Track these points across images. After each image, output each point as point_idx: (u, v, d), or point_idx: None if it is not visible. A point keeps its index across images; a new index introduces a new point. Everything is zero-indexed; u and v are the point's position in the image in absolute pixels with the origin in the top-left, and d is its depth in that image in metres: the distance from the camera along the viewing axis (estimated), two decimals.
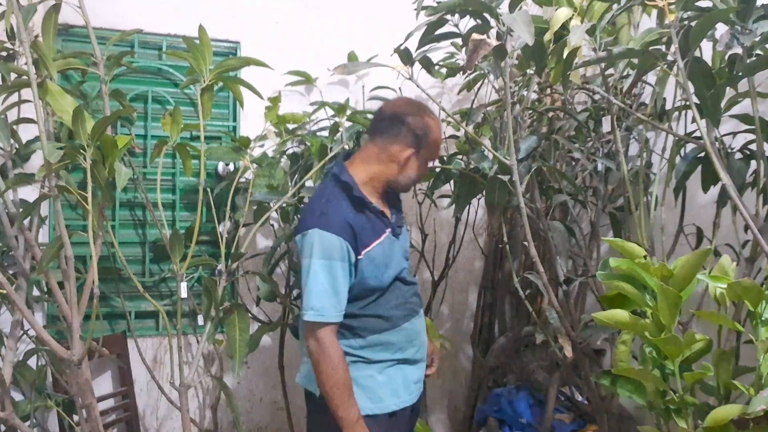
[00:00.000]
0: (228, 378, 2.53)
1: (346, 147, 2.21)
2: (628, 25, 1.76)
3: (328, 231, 1.53)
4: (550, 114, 2.13)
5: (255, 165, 2.25)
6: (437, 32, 1.58)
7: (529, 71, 2.04)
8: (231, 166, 2.51)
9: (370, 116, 2.44)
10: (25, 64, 1.64)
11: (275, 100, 2.48)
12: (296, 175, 2.36)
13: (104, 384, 2.44)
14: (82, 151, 1.59)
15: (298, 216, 2.29)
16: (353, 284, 1.59)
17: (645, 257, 1.13)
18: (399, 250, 1.71)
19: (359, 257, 1.57)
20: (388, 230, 1.66)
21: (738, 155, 1.59)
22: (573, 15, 1.41)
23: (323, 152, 2.26)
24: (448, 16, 1.53)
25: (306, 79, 2.60)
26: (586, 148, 2.00)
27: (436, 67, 2.47)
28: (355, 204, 1.60)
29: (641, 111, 1.88)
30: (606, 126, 2.10)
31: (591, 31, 1.44)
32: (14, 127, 1.95)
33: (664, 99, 1.95)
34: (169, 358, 2.10)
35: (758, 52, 1.30)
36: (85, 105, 2.15)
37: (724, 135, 1.65)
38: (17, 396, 2.03)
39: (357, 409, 1.55)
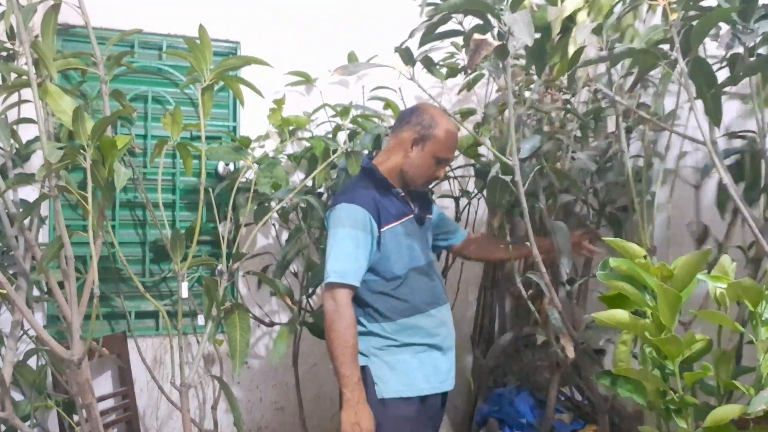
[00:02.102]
0: (228, 378, 2.53)
1: (348, 149, 2.22)
2: (633, 22, 1.75)
3: (353, 203, 1.69)
4: (554, 114, 2.13)
5: (256, 165, 2.26)
6: (439, 30, 1.58)
7: (530, 71, 2.03)
8: (231, 166, 2.51)
9: (374, 119, 2.46)
10: (25, 64, 1.64)
11: (279, 103, 2.48)
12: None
13: (104, 384, 2.44)
14: (82, 151, 1.59)
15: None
16: (378, 260, 1.71)
17: (645, 257, 1.12)
18: (423, 239, 1.84)
19: (382, 230, 1.71)
20: (411, 215, 1.80)
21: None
22: (582, 6, 1.40)
23: (326, 154, 2.27)
24: (451, 15, 1.52)
25: (306, 79, 2.60)
26: (589, 149, 1.99)
27: (436, 67, 2.47)
28: (379, 186, 1.77)
29: (642, 110, 1.88)
30: (606, 126, 2.10)
31: (597, 30, 1.44)
32: (14, 127, 1.95)
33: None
34: (169, 358, 2.09)
35: (760, 51, 1.30)
36: (85, 105, 2.15)
37: (727, 134, 1.65)
38: (17, 396, 2.03)
39: (358, 371, 1.64)
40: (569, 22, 1.42)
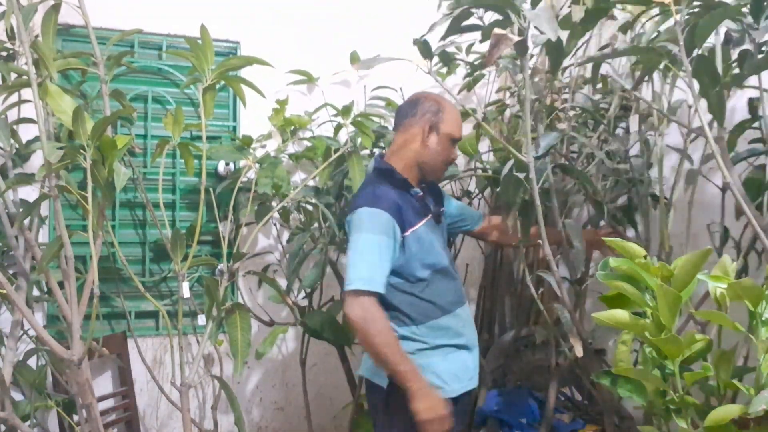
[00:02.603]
0: (228, 378, 2.53)
1: (349, 149, 2.22)
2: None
3: (375, 207, 1.63)
4: (566, 113, 2.12)
5: (257, 164, 2.26)
6: (461, 24, 1.55)
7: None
8: (231, 166, 2.51)
9: (374, 118, 2.47)
10: (25, 64, 1.64)
11: (283, 103, 2.48)
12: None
13: (104, 384, 2.44)
14: (82, 151, 1.59)
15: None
16: (403, 264, 1.68)
17: (645, 257, 1.12)
18: (442, 237, 1.82)
19: (405, 234, 1.67)
20: (430, 215, 1.78)
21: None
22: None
23: (327, 153, 2.27)
24: (473, 9, 1.50)
25: (309, 78, 2.60)
26: (599, 145, 1.98)
27: (437, 67, 2.47)
28: (398, 187, 1.72)
29: (642, 109, 1.87)
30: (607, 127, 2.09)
31: (624, 29, 1.42)
32: (14, 127, 1.95)
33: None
34: (169, 358, 2.08)
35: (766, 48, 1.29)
36: (85, 105, 2.15)
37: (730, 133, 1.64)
38: (17, 396, 2.03)
39: (411, 362, 1.60)
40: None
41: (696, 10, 1.25)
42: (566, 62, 1.96)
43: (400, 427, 1.66)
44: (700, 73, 1.26)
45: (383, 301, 1.67)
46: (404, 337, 1.70)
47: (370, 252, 1.61)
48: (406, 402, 1.57)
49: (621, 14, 1.52)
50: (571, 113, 2.07)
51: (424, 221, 1.73)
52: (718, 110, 1.29)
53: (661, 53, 1.31)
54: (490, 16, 1.50)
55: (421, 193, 1.78)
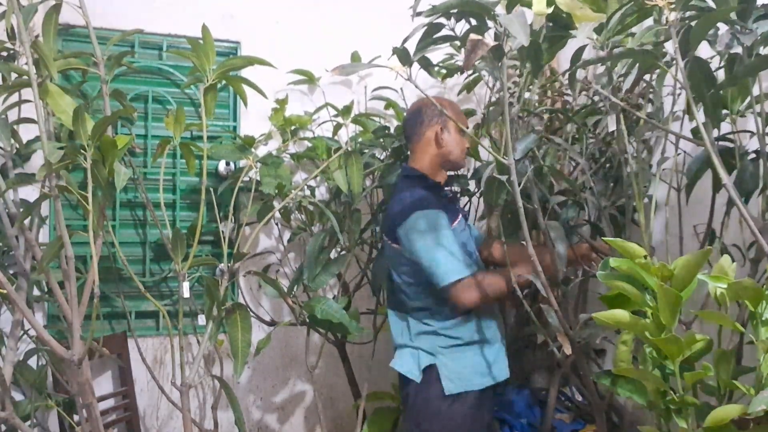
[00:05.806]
0: (228, 378, 2.53)
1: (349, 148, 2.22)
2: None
3: (426, 209, 1.74)
4: (547, 115, 2.13)
5: (259, 164, 2.26)
6: (434, 36, 1.59)
7: (526, 70, 2.03)
8: (232, 166, 2.51)
9: (374, 118, 2.47)
10: (26, 64, 1.64)
11: (282, 102, 2.48)
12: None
13: (104, 384, 2.44)
14: (82, 151, 1.60)
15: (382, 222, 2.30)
16: None
17: (645, 257, 1.12)
18: (470, 234, 1.95)
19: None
20: (461, 214, 1.91)
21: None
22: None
23: (329, 154, 2.28)
24: (444, 20, 1.53)
25: (309, 78, 2.60)
26: (585, 149, 1.99)
27: (436, 68, 2.47)
28: (432, 191, 1.84)
29: (641, 111, 1.87)
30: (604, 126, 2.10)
31: (599, 30, 1.43)
32: (15, 127, 1.95)
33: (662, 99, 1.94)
34: (169, 358, 2.08)
35: (758, 51, 1.30)
36: (86, 105, 2.15)
37: (728, 133, 1.64)
38: (17, 396, 2.03)
39: (500, 276, 1.73)
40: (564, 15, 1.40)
41: (690, 13, 1.25)
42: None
43: (431, 421, 1.76)
44: (696, 76, 1.26)
45: (421, 297, 1.80)
46: (438, 333, 1.81)
47: (442, 247, 1.70)
48: (436, 398, 1.73)
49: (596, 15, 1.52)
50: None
51: (458, 219, 1.86)
52: (713, 113, 1.30)
53: (657, 56, 1.31)
54: (462, 26, 1.53)
55: (451, 195, 1.92)
